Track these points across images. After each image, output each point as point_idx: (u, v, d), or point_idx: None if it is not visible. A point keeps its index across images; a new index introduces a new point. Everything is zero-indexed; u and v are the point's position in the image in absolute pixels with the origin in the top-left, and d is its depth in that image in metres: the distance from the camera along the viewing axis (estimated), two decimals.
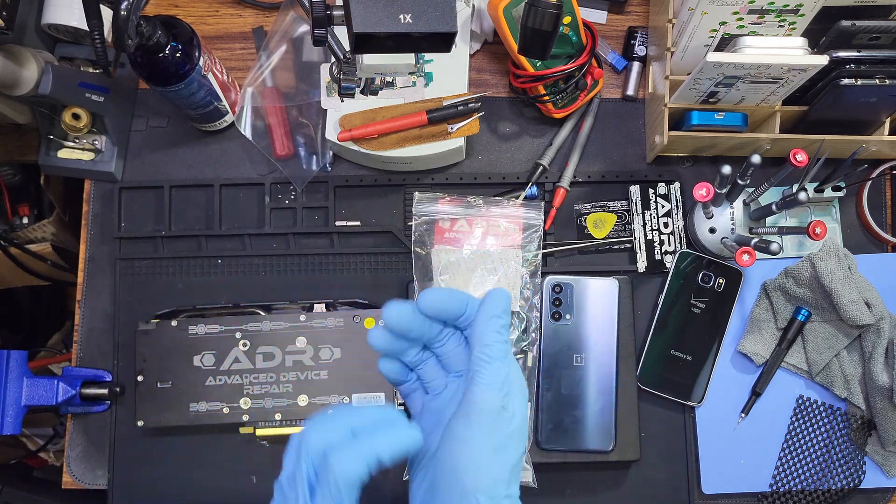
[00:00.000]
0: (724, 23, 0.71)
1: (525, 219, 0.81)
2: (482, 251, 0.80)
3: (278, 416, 0.76)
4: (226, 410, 0.76)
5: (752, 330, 0.81)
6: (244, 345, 0.77)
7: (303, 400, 0.76)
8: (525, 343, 0.78)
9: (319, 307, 0.79)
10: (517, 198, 0.82)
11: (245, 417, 0.76)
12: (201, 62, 0.73)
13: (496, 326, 0.51)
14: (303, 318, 0.77)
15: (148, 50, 0.69)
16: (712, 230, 0.78)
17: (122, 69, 0.82)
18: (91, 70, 0.82)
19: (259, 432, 0.77)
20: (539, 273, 0.79)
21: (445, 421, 0.51)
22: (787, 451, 0.80)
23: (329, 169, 0.84)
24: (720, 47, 0.74)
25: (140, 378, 0.76)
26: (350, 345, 0.76)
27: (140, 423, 0.76)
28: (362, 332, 0.77)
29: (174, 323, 0.77)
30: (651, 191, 0.83)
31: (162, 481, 0.80)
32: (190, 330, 0.77)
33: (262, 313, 0.78)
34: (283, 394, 0.76)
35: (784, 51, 0.68)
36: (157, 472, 0.80)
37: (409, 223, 0.82)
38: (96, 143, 0.83)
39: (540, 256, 0.80)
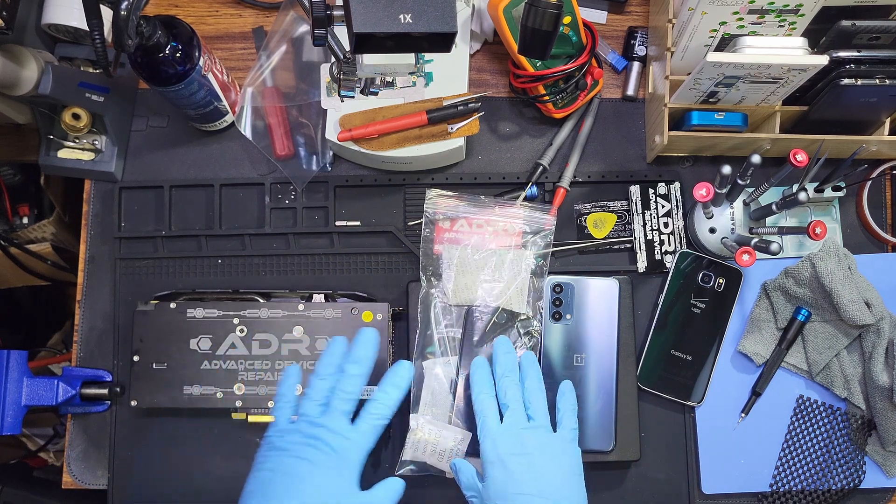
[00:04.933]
0: (724, 23, 0.71)
1: (528, 219, 0.81)
2: (486, 251, 0.80)
3: (271, 404, 0.75)
4: (219, 395, 0.76)
5: (752, 330, 0.81)
6: (241, 331, 0.76)
7: (297, 389, 0.75)
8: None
9: (318, 297, 0.78)
10: (517, 198, 0.82)
11: (238, 403, 0.76)
12: (201, 62, 0.73)
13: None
14: (301, 307, 0.77)
15: (148, 50, 0.69)
16: (712, 230, 0.78)
17: (122, 69, 0.82)
18: (91, 70, 0.82)
19: (252, 419, 0.76)
20: (543, 273, 0.79)
21: None
22: (787, 451, 0.80)
23: (329, 169, 0.84)
24: (720, 47, 0.74)
25: (136, 358, 0.76)
26: (347, 337, 0.76)
27: (133, 403, 0.76)
28: (360, 324, 0.76)
29: (173, 305, 0.77)
30: (651, 191, 0.83)
31: (162, 481, 0.80)
32: (188, 313, 0.77)
33: (261, 300, 0.78)
34: (278, 381, 0.76)
35: (784, 51, 0.68)
36: (157, 473, 0.80)
37: (410, 223, 0.82)
38: (96, 143, 0.83)
39: (546, 256, 0.80)
